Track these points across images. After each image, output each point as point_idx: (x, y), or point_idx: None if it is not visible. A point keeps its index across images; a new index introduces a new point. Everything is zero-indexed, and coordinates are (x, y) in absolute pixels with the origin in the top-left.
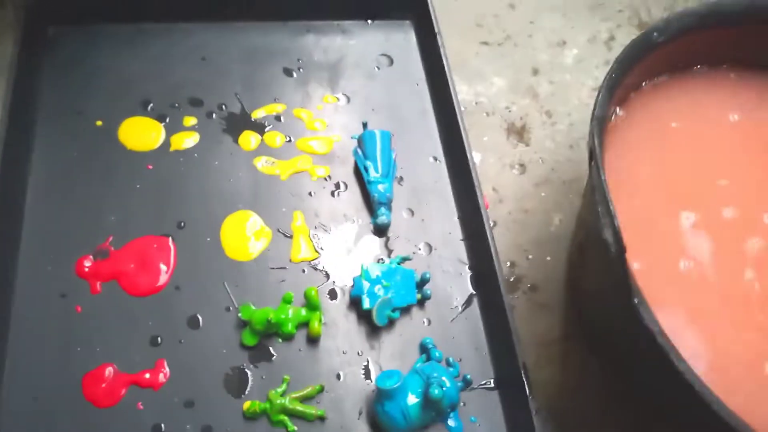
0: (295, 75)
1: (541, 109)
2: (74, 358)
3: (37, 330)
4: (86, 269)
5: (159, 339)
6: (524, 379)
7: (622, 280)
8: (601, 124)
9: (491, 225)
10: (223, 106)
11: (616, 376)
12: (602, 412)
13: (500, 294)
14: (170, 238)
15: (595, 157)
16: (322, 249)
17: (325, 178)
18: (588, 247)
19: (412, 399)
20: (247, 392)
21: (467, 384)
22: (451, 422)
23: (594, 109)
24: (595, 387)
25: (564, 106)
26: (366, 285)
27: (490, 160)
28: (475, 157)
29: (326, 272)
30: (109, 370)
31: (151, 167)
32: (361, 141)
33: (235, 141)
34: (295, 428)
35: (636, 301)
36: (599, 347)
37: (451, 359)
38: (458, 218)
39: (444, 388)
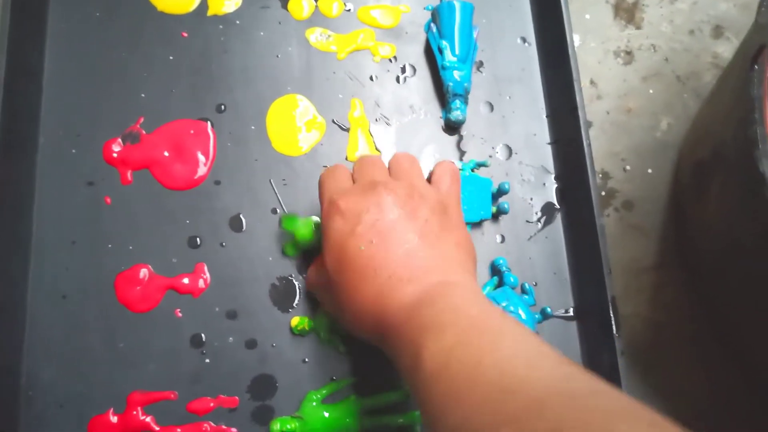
0: None
1: None
2: (105, 256)
3: (64, 221)
4: (115, 155)
5: (198, 240)
6: (612, 314)
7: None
8: None
9: (587, 126)
10: None
11: (717, 320)
12: (693, 356)
13: (592, 211)
14: (209, 123)
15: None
16: (382, 147)
17: (390, 59)
18: (715, 169)
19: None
20: (294, 306)
21: (545, 317)
22: None
23: None
24: (688, 327)
25: None
26: None
27: (590, 44)
28: (576, 40)
29: None
30: (144, 272)
31: (186, 35)
32: (436, 14)
33: (284, 6)
34: (348, 348)
35: None
36: (702, 286)
37: (526, 285)
38: (547, 116)
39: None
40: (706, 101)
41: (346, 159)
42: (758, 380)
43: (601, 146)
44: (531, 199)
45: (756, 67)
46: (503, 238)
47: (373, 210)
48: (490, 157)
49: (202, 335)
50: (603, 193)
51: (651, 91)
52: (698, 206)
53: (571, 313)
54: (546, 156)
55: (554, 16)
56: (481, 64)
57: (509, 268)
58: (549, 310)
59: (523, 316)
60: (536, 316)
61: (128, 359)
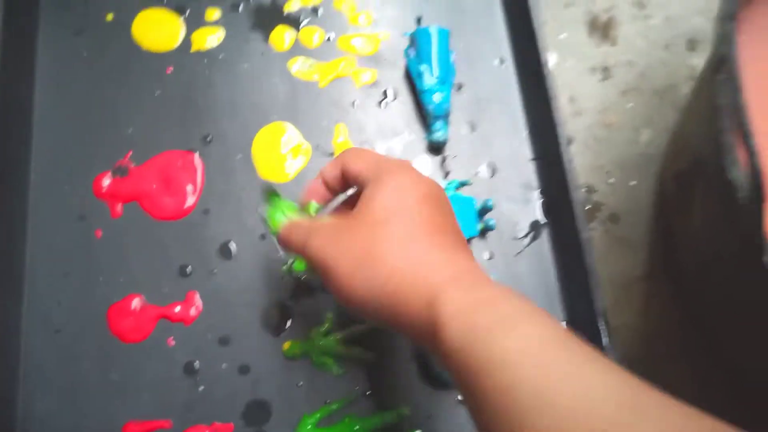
0: None
1: (635, 0)
2: (97, 288)
3: (56, 256)
4: (104, 189)
5: (188, 269)
6: (602, 326)
7: (751, 234)
8: (733, 15)
9: (568, 142)
10: None
11: (704, 331)
12: (683, 366)
13: (576, 225)
14: (196, 154)
15: (729, 67)
16: None
17: (371, 85)
18: (695, 180)
19: None
20: (286, 330)
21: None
22: None
23: None
24: (678, 337)
25: None
26: None
27: (567, 62)
28: (550, 58)
29: None
30: (136, 302)
31: (171, 70)
32: (413, 40)
33: (266, 39)
34: (342, 370)
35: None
36: (688, 296)
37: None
38: (528, 134)
39: None
40: (683, 113)
41: None
42: (744, 389)
43: (584, 161)
44: (517, 215)
45: (720, 76)
46: (491, 255)
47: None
48: (474, 175)
49: (195, 363)
50: (589, 207)
51: (630, 105)
52: (681, 217)
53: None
54: (529, 172)
55: (529, 37)
56: (460, 86)
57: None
58: None
59: None
60: None
61: (122, 389)
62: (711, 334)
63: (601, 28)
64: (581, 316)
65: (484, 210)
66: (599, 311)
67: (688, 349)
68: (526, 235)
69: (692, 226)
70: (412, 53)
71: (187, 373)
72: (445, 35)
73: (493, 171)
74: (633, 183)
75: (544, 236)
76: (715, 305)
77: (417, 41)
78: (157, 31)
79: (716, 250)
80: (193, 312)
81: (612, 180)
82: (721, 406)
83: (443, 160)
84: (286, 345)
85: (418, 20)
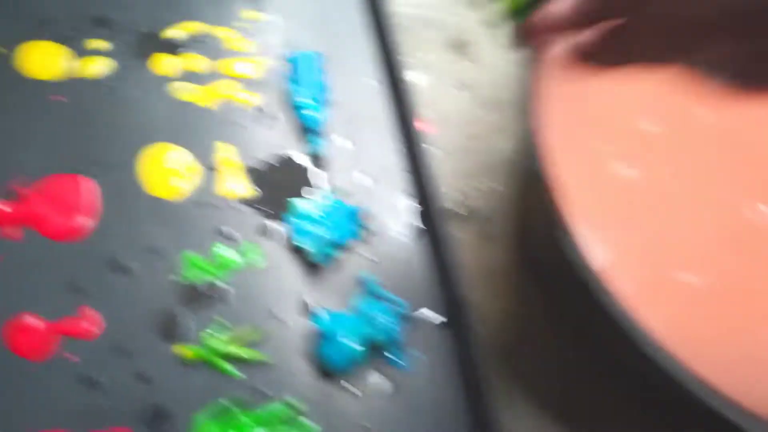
0: None
1: (488, 21)
2: None
3: None
4: None
5: (83, 286)
6: (468, 315)
7: (548, 207)
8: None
9: (436, 152)
10: (133, 26)
11: (561, 314)
12: (548, 347)
13: (445, 227)
14: (86, 177)
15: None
16: (257, 185)
17: (255, 107)
18: (531, 175)
19: (352, 338)
20: (182, 337)
21: (409, 321)
22: (396, 359)
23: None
24: (543, 323)
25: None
26: (298, 222)
27: (432, 80)
28: (416, 77)
29: (263, 210)
30: (32, 321)
31: (57, 98)
32: (289, 64)
33: (149, 65)
34: (242, 376)
35: (560, 231)
36: (543, 283)
37: (394, 296)
38: (399, 146)
39: (384, 327)
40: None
41: (223, 198)
42: (603, 363)
43: (455, 169)
44: (394, 220)
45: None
46: (372, 258)
47: None
48: (354, 185)
49: (99, 377)
50: (462, 210)
51: (491, 118)
52: (529, 210)
53: (439, 320)
54: (403, 181)
55: (392, 58)
56: (338, 104)
57: (378, 282)
58: (412, 313)
59: (389, 322)
60: (401, 321)
61: (22, 406)
62: (569, 318)
63: (461, 47)
64: (455, 307)
65: (363, 216)
66: (464, 302)
67: (553, 335)
68: (403, 238)
69: (534, 219)
70: (289, 76)
71: (86, 385)
72: (316, 59)
73: (372, 180)
74: (499, 188)
75: (420, 238)
76: (560, 289)
77: (292, 65)
78: (41, 61)
79: (543, 234)
80: (89, 326)
81: (481, 186)
82: (584, 379)
83: (325, 172)
84: (182, 350)
85: (292, 47)
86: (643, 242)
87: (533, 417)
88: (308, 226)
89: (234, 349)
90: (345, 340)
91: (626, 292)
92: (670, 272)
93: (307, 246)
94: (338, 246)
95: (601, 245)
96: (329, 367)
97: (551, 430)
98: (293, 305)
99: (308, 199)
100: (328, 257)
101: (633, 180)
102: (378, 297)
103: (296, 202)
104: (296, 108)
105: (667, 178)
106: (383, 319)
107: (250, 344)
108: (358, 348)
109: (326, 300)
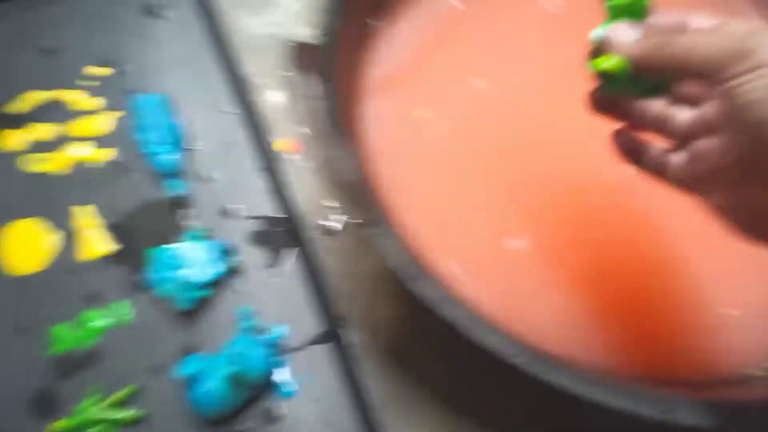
0: (51, 53)
1: None
2: None
3: None
4: None
5: None
6: (345, 329)
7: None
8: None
9: (300, 169)
10: None
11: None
12: (433, 349)
13: (313, 244)
14: None
15: None
16: (120, 240)
17: (108, 162)
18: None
19: (220, 380)
20: (57, 412)
21: (284, 349)
22: (280, 388)
23: None
24: (426, 325)
25: None
26: (161, 270)
27: (291, 97)
28: (275, 96)
29: (128, 264)
30: None
31: None
32: (136, 111)
33: None
34: None
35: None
36: None
37: (268, 326)
38: (260, 170)
39: (258, 361)
40: None
41: (87, 260)
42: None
43: (321, 184)
44: (263, 247)
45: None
46: (245, 290)
47: None
48: (217, 219)
49: None
50: (331, 224)
51: None
52: None
53: (321, 338)
54: (268, 205)
55: (242, 85)
56: (192, 140)
57: (253, 313)
58: (286, 338)
59: (257, 356)
60: (274, 351)
61: None
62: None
63: None
64: (333, 323)
65: (229, 250)
66: (340, 318)
67: (440, 337)
68: (274, 264)
69: None
70: (138, 124)
71: None
72: (161, 101)
73: (235, 211)
74: None
75: (291, 260)
76: None
77: (139, 111)
78: None
79: None
80: None
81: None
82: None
83: (185, 213)
84: (55, 425)
85: (137, 93)
86: (468, 217)
87: (422, 420)
88: (171, 273)
89: (111, 413)
90: (213, 384)
91: (453, 272)
92: (496, 242)
93: (173, 293)
94: (207, 286)
95: (425, 231)
96: (205, 413)
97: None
98: (168, 356)
99: (169, 246)
100: (195, 300)
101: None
102: (255, 330)
103: (156, 251)
104: (150, 155)
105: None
106: (258, 352)
107: (128, 403)
108: (224, 390)
109: (203, 343)
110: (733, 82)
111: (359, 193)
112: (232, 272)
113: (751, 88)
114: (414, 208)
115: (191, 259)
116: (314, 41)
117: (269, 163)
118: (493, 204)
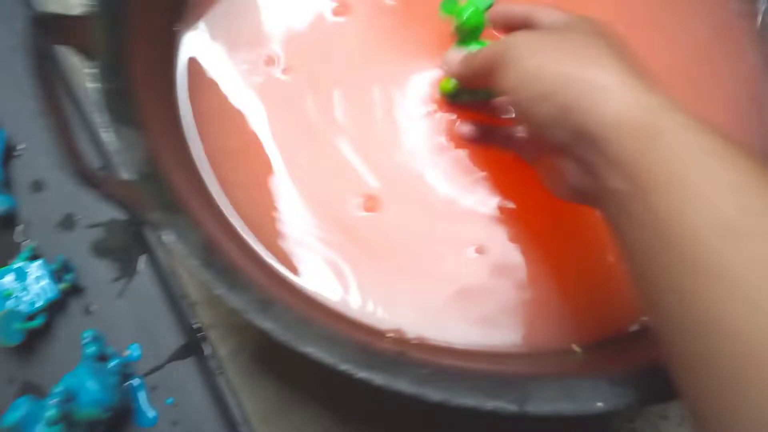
0: None
1: None
2: None
3: None
4: None
5: None
6: (208, 340)
7: None
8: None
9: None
10: None
11: None
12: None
13: (162, 247)
14: None
15: None
16: None
17: None
18: None
19: (46, 425)
20: None
21: (140, 371)
22: (138, 417)
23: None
24: None
25: None
26: None
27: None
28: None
29: None
30: None
31: None
32: None
33: None
34: None
35: None
36: None
37: (119, 347)
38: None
39: (85, 399)
40: None
41: None
42: None
43: None
44: (105, 258)
45: None
46: (88, 309)
47: None
48: (50, 233)
49: None
50: None
51: None
52: None
53: (180, 354)
54: (105, 211)
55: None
56: (12, 149)
57: (98, 336)
58: (134, 359)
59: (92, 389)
60: (117, 379)
61: None
62: None
63: None
64: (192, 335)
65: (64, 268)
66: (196, 329)
67: None
68: (121, 275)
69: None
70: None
71: None
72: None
73: (70, 221)
74: None
75: (141, 269)
76: None
77: None
78: None
79: None
80: None
81: None
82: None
83: (15, 231)
84: None
85: None
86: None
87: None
88: None
89: None
90: (40, 429)
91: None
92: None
93: None
94: (40, 312)
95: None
96: None
97: None
98: (7, 398)
99: None
100: (23, 333)
101: None
102: (99, 355)
103: None
104: None
105: None
106: (100, 381)
107: None
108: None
109: (43, 380)
110: (504, 86)
111: (151, 191)
112: (73, 291)
113: (516, 89)
114: (240, 200)
115: (15, 286)
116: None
117: (105, 159)
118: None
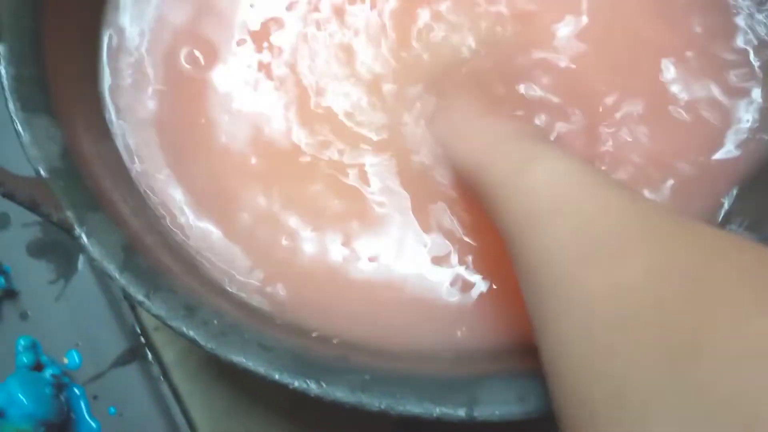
0: None
1: None
2: None
3: None
4: None
5: None
6: (153, 343)
7: None
8: None
9: None
10: None
11: None
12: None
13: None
14: None
15: None
16: None
17: None
18: None
19: None
20: None
21: (79, 379)
22: (80, 429)
23: None
24: None
25: None
26: None
27: None
28: None
29: None
30: None
31: None
32: None
33: None
34: None
35: None
36: None
37: (56, 354)
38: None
39: (12, 413)
40: None
41: None
42: None
43: None
44: (39, 255)
45: None
46: (24, 314)
47: None
48: None
49: None
50: None
51: None
52: None
53: (125, 359)
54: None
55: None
56: None
57: (33, 343)
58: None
59: (22, 404)
60: (51, 389)
61: None
62: None
63: None
64: (136, 338)
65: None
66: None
67: None
68: (57, 276)
69: None
70: None
71: None
72: None
73: (4, 224)
74: None
75: (79, 267)
76: None
77: None
78: None
79: None
80: None
81: None
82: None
83: None
84: None
85: None
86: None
87: None
88: None
89: None
90: None
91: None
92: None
93: None
94: None
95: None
96: None
97: None
98: None
99: None
100: None
101: None
102: (32, 364)
103: None
104: None
105: None
106: (32, 393)
107: None
108: None
109: None
110: None
111: (64, 188)
112: (6, 296)
113: None
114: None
115: None
116: None
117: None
118: None
